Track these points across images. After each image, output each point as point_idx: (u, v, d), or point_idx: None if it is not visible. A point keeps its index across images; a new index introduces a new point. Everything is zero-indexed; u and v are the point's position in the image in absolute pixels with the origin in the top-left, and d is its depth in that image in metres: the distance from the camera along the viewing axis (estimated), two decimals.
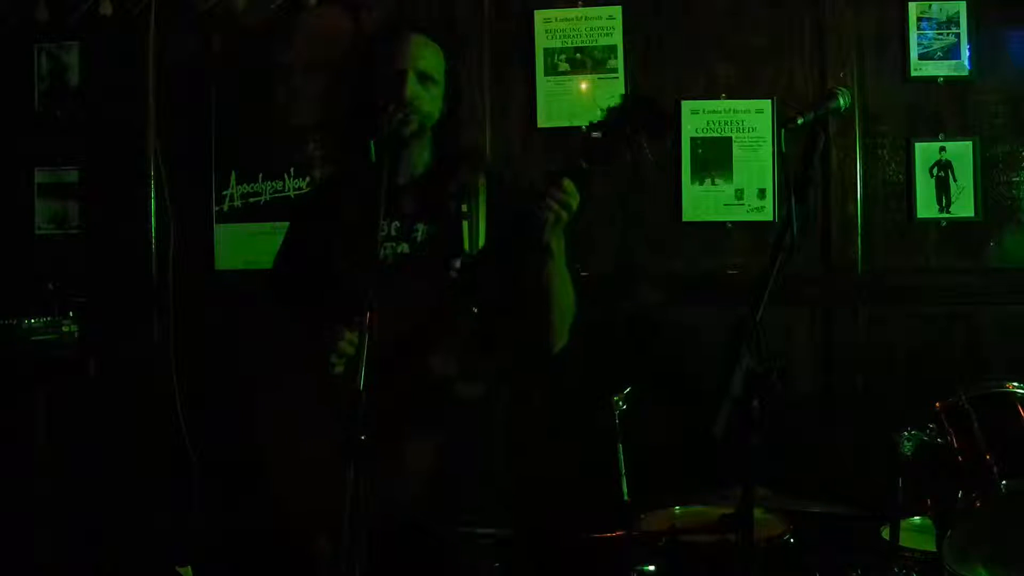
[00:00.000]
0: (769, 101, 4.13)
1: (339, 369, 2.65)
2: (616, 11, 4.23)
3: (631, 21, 4.22)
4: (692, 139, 4.17)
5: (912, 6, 4.03)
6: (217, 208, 4.54)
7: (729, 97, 4.17)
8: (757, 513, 2.40)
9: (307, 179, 4.44)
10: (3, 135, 4.71)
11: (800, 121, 2.42)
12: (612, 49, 4.24)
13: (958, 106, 4.03)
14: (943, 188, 4.02)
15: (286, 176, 4.48)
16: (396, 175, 2.78)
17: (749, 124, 4.15)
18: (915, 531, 3.11)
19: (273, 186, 4.49)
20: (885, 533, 3.03)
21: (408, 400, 2.58)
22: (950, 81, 4.02)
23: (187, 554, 4.24)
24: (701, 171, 4.16)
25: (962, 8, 4.00)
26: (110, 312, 4.50)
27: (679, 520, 3.28)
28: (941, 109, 4.04)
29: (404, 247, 2.79)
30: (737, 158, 4.15)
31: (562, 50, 4.27)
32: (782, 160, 4.03)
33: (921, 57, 4.03)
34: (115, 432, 4.43)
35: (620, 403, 3.28)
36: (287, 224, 3.14)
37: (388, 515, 2.51)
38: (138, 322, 4.52)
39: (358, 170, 2.77)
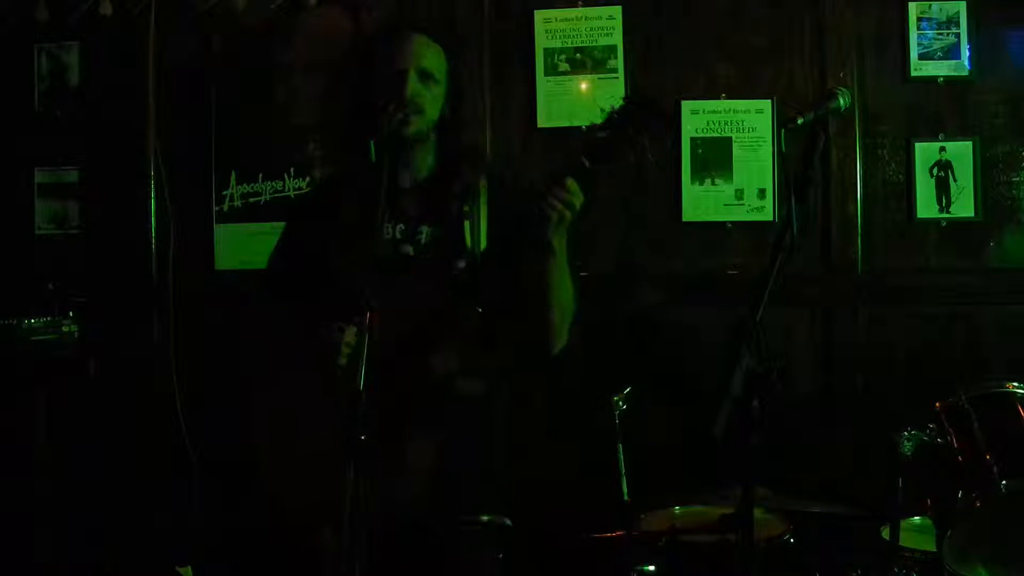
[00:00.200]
0: (769, 101, 4.14)
1: (344, 361, 2.65)
2: (616, 11, 4.23)
3: (631, 21, 4.22)
4: (692, 139, 4.17)
5: (912, 6, 4.03)
6: (217, 208, 4.54)
7: (729, 97, 4.17)
8: (757, 513, 2.40)
9: (307, 179, 4.44)
10: (3, 135, 4.71)
11: (800, 121, 2.42)
12: (612, 49, 4.24)
13: (958, 106, 4.03)
14: (943, 188, 4.02)
15: (286, 176, 4.48)
16: (399, 177, 2.78)
17: (749, 124, 4.15)
18: (915, 531, 3.11)
19: (273, 186, 4.49)
20: (885, 533, 3.03)
21: (409, 399, 2.58)
22: (950, 81, 4.02)
23: (187, 554, 4.24)
24: (701, 171, 4.16)
25: (962, 8, 4.00)
26: (110, 312, 4.50)
27: (679, 520, 3.28)
28: (941, 109, 4.04)
29: (408, 249, 2.79)
30: (737, 158, 4.15)
31: (562, 50, 4.27)
32: (782, 160, 4.03)
33: (921, 57, 4.03)
34: (115, 432, 4.43)
35: (620, 403, 3.28)
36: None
37: (389, 514, 2.51)
38: (138, 322, 4.52)
39: (358, 170, 2.77)
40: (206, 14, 4.52)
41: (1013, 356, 3.88)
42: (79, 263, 4.60)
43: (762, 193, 4.13)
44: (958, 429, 2.88)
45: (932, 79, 4.03)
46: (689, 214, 4.16)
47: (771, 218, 4.11)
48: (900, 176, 4.07)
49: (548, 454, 3.96)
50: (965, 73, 4.01)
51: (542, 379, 3.85)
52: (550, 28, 4.28)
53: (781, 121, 3.99)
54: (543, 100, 4.29)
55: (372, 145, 2.62)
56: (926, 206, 4.04)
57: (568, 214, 2.56)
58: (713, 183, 4.15)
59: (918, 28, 4.03)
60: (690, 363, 4.03)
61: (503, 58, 4.32)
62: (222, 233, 4.54)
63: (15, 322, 4.19)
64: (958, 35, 4.00)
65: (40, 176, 4.69)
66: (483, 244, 2.76)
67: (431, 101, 2.79)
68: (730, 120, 4.16)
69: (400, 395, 2.53)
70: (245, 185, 4.52)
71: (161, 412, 4.35)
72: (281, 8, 4.47)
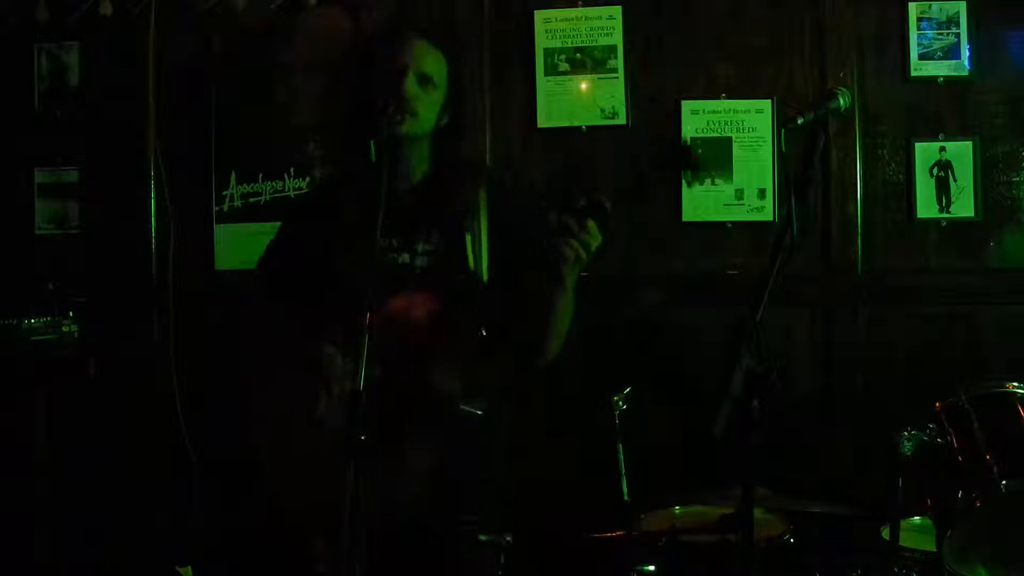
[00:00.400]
0: (769, 101, 4.13)
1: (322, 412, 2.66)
2: (616, 11, 4.23)
3: (631, 21, 4.22)
4: (692, 139, 4.16)
5: (912, 6, 4.03)
6: (217, 208, 4.54)
7: (729, 97, 4.17)
8: (757, 513, 2.40)
9: (307, 179, 4.43)
10: (3, 135, 4.71)
11: (800, 121, 2.42)
12: (612, 49, 4.24)
13: (958, 106, 4.03)
14: (943, 188, 4.02)
15: (286, 176, 4.47)
16: (396, 180, 2.78)
17: (749, 124, 4.15)
18: (915, 531, 3.11)
19: (273, 186, 4.49)
20: (885, 533, 3.03)
21: (409, 405, 2.58)
22: (950, 81, 4.02)
23: (187, 554, 4.24)
24: (701, 170, 4.15)
25: (962, 8, 4.00)
26: (110, 312, 4.49)
27: (679, 520, 3.28)
28: (941, 109, 4.04)
29: (405, 257, 2.78)
30: (737, 158, 4.15)
31: (562, 50, 4.27)
32: (782, 160, 4.03)
33: (921, 57, 4.03)
34: (115, 432, 4.43)
35: (620, 403, 3.28)
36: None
37: (388, 514, 2.51)
38: (138, 322, 4.52)
39: (358, 170, 2.77)
40: (206, 14, 4.52)
41: (1013, 356, 3.87)
42: (79, 263, 4.60)
43: (762, 193, 4.13)
44: (958, 429, 2.88)
45: (932, 79, 4.03)
46: (689, 214, 4.16)
47: (771, 218, 4.11)
48: (900, 176, 4.07)
49: (548, 454, 3.95)
50: (965, 73, 4.01)
51: (541, 381, 3.85)
52: (550, 28, 4.28)
53: (781, 121, 3.97)
54: (543, 100, 4.29)
55: (372, 145, 2.62)
56: (926, 206, 4.04)
57: (584, 255, 2.55)
58: (713, 183, 4.15)
59: (918, 28, 4.03)
60: (690, 363, 4.03)
61: (503, 58, 4.32)
62: (222, 233, 4.54)
63: (15, 322, 4.19)
64: (958, 35, 4.00)
65: (40, 176, 4.69)
66: (485, 259, 2.75)
67: (428, 105, 2.77)
68: (730, 120, 4.16)
69: (399, 406, 2.53)
70: (245, 185, 4.52)
71: (161, 412, 4.35)
72: (281, 8, 4.47)
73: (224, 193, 4.54)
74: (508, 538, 2.86)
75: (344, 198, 2.83)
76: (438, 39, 2.86)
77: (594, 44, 4.25)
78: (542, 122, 4.29)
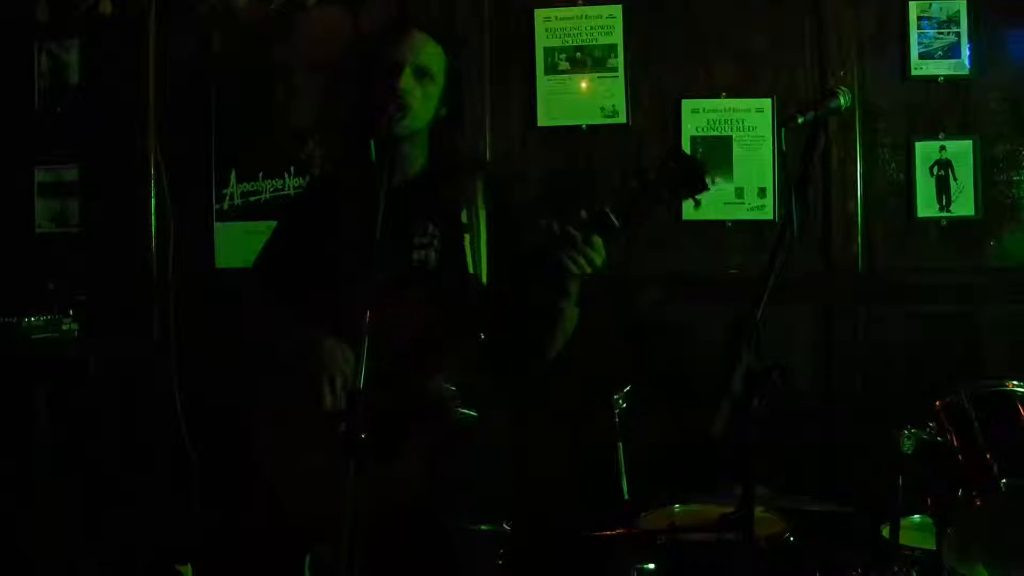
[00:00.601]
0: (769, 100, 4.13)
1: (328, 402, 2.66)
2: (616, 10, 4.23)
3: (631, 20, 4.22)
4: (692, 138, 4.17)
5: (912, 5, 4.02)
6: (217, 206, 4.55)
7: (729, 96, 4.16)
8: (757, 511, 2.40)
9: (307, 177, 4.43)
10: (3, 133, 4.71)
11: (800, 120, 2.42)
12: (612, 48, 4.24)
13: (958, 105, 4.03)
14: (943, 187, 4.02)
15: (286, 175, 4.48)
16: (394, 174, 2.77)
17: (749, 123, 4.14)
18: (915, 529, 3.12)
19: (273, 184, 4.49)
20: (885, 531, 3.03)
21: (403, 411, 2.58)
22: (950, 80, 4.02)
23: (187, 552, 4.24)
24: (711, 171, 4.14)
25: (962, 7, 3.99)
26: (110, 311, 4.50)
27: (679, 518, 3.28)
28: (941, 108, 4.04)
29: (401, 251, 2.78)
30: (737, 157, 4.15)
31: (562, 49, 4.27)
32: (782, 159, 4.03)
33: (921, 56, 4.03)
34: (115, 431, 4.43)
35: (620, 402, 3.28)
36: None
37: (387, 513, 2.51)
38: (138, 321, 4.52)
39: (357, 169, 2.77)
40: (206, 13, 4.52)
41: (1013, 355, 3.87)
42: (79, 262, 4.60)
43: (762, 192, 4.13)
44: (958, 428, 2.88)
45: (932, 78, 4.03)
46: (689, 213, 4.15)
47: (771, 217, 4.11)
48: (900, 175, 4.06)
49: (548, 453, 3.95)
50: (965, 72, 4.01)
51: (541, 380, 3.84)
52: (550, 27, 4.28)
53: (781, 120, 3.99)
54: (543, 99, 4.29)
55: (372, 144, 2.62)
56: (926, 205, 4.04)
57: (588, 269, 2.54)
58: (713, 182, 4.13)
59: (918, 27, 4.03)
60: (690, 362, 4.03)
61: (503, 57, 4.32)
62: (222, 231, 4.55)
63: (15, 320, 4.19)
64: (958, 34, 4.00)
65: (40, 174, 4.70)
66: (484, 261, 2.75)
67: (425, 99, 2.76)
68: (730, 119, 4.15)
69: (394, 401, 2.53)
70: (245, 184, 4.52)
71: (161, 411, 4.35)
72: (281, 7, 4.47)
73: (224, 191, 4.54)
74: (507, 526, 2.85)
75: (344, 196, 2.83)
76: (436, 31, 2.85)
77: (594, 43, 4.25)
78: (542, 121, 4.29)
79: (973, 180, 3.99)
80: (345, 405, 2.30)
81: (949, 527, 2.75)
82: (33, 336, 4.22)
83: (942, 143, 4.02)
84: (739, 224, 4.14)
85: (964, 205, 4.00)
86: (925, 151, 4.03)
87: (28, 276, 4.54)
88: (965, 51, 4.00)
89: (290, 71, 4.48)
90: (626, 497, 3.24)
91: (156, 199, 4.53)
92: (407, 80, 2.72)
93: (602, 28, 4.24)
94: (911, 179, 4.04)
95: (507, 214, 2.80)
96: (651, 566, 3.08)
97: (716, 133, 4.16)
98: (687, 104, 4.18)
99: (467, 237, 2.76)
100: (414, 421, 2.59)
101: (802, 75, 4.12)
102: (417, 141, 2.81)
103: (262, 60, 4.50)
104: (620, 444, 3.26)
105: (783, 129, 2.44)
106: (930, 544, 2.90)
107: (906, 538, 2.99)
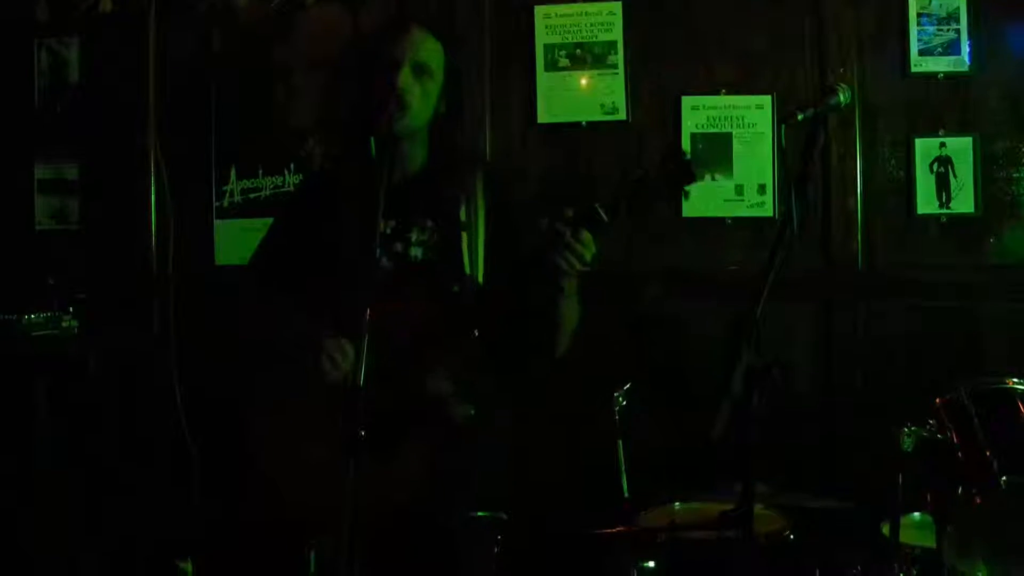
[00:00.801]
0: (769, 97, 4.13)
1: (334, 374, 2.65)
2: (616, 7, 4.23)
3: (631, 16, 4.22)
4: (692, 135, 4.16)
5: (912, 2, 4.02)
6: (217, 203, 4.55)
7: (729, 93, 4.16)
8: (757, 509, 2.40)
9: (307, 175, 4.43)
10: (3, 130, 4.71)
11: (800, 117, 2.42)
12: (612, 44, 4.24)
13: (958, 102, 4.02)
14: (943, 184, 4.02)
15: (286, 172, 4.48)
16: (394, 171, 2.77)
17: (749, 120, 4.14)
18: (915, 527, 3.11)
19: (273, 181, 4.49)
20: (885, 529, 3.03)
21: (400, 410, 2.58)
22: (950, 77, 4.01)
23: (187, 548, 4.24)
24: (701, 167, 4.14)
25: (962, 4, 3.99)
26: (110, 307, 4.50)
27: (679, 516, 3.28)
28: (941, 105, 4.03)
29: (398, 246, 2.78)
30: (737, 154, 4.14)
31: (562, 45, 4.27)
32: (782, 156, 4.03)
33: (921, 53, 4.02)
34: (115, 427, 4.43)
35: (620, 399, 3.28)
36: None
37: (386, 509, 2.52)
38: (138, 317, 4.52)
39: (357, 166, 2.77)
40: (206, 11, 4.52)
41: (1013, 352, 3.87)
42: (79, 259, 4.61)
43: (762, 189, 4.13)
44: (958, 425, 2.88)
45: (932, 75, 4.02)
46: (689, 210, 4.15)
47: (771, 214, 4.11)
48: (900, 172, 4.06)
49: (548, 451, 3.96)
50: (965, 69, 4.00)
51: (541, 378, 3.85)
52: (550, 23, 4.28)
53: (781, 117, 3.98)
54: (543, 95, 4.29)
55: (372, 141, 2.62)
56: (926, 202, 4.03)
57: (579, 265, 2.55)
58: (713, 179, 4.14)
59: (918, 24, 4.02)
60: (690, 359, 4.03)
61: (503, 53, 4.32)
62: (222, 228, 4.55)
63: (15, 317, 4.19)
64: (958, 31, 4.00)
65: (40, 172, 4.70)
66: (481, 260, 2.75)
67: (424, 96, 2.76)
68: (730, 116, 4.15)
69: (392, 400, 2.53)
70: (245, 180, 4.52)
71: (161, 407, 4.35)
72: (281, 6, 4.47)
73: (224, 188, 4.54)
74: (504, 516, 2.85)
75: (344, 193, 2.83)
76: (435, 27, 2.85)
77: (594, 39, 4.25)
78: (542, 117, 4.29)
79: (973, 177, 3.99)
80: (345, 401, 2.30)
81: (949, 525, 2.75)
82: (33, 333, 4.22)
83: (942, 140, 4.02)
84: (739, 221, 4.14)
85: (964, 202, 4.00)
86: (925, 148, 4.03)
87: (28, 273, 4.54)
88: (965, 48, 4.00)
89: (290, 69, 4.48)
90: (626, 495, 3.24)
91: (156, 196, 4.52)
92: (406, 78, 2.72)
93: (602, 25, 4.24)
94: (911, 176, 4.04)
95: (506, 212, 2.80)
96: (651, 564, 3.08)
97: (716, 130, 4.16)
98: (687, 101, 4.18)
99: (465, 235, 2.76)
100: (413, 420, 2.59)
101: (802, 71, 4.11)
102: (417, 139, 2.81)
103: (262, 58, 4.50)
104: (620, 442, 3.26)
105: (783, 126, 2.44)
106: (930, 542, 2.90)
107: (906, 536, 2.99)
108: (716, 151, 4.14)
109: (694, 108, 4.18)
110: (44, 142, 4.69)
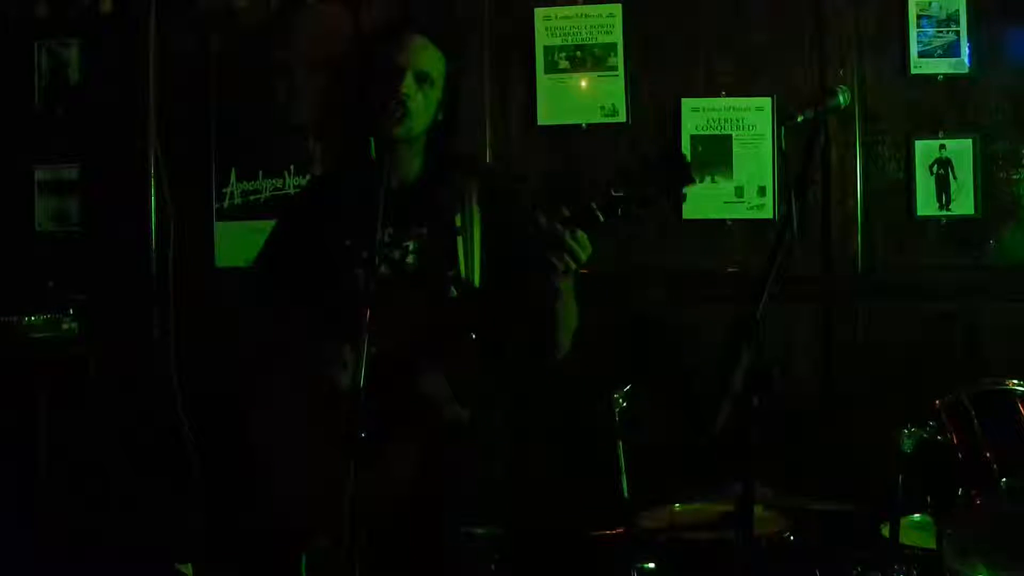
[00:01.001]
0: (769, 99, 4.13)
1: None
2: (616, 9, 4.23)
3: (631, 19, 4.22)
4: (692, 137, 4.17)
5: (912, 3, 4.02)
6: (217, 205, 4.54)
7: (729, 95, 4.16)
8: (757, 510, 2.40)
9: (307, 177, 4.43)
10: (3, 132, 4.71)
11: (800, 119, 2.42)
12: (612, 47, 4.24)
13: (958, 103, 4.02)
14: (943, 186, 4.02)
15: (286, 174, 4.48)
16: (391, 178, 2.77)
17: (749, 122, 4.14)
18: (915, 528, 3.11)
19: (273, 183, 4.49)
20: (885, 530, 3.03)
21: (395, 413, 2.57)
22: (950, 78, 4.02)
23: (187, 552, 4.24)
24: (701, 169, 4.16)
25: (962, 5, 3.99)
26: (110, 310, 4.49)
27: (679, 517, 3.28)
28: (941, 106, 4.03)
29: (395, 254, 2.78)
30: (737, 155, 4.14)
31: (562, 48, 4.27)
32: (782, 158, 4.03)
33: (921, 54, 4.03)
34: (115, 430, 4.43)
35: (620, 400, 3.28)
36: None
37: (386, 513, 2.51)
38: (138, 320, 4.52)
39: (358, 169, 2.77)
40: (206, 12, 4.52)
41: (1013, 354, 3.87)
42: (79, 261, 4.60)
43: (762, 191, 4.13)
44: (958, 427, 2.88)
45: (932, 76, 4.03)
46: (689, 212, 4.15)
47: (771, 216, 4.11)
48: (900, 173, 4.06)
49: (548, 452, 3.96)
50: (965, 70, 4.01)
51: (541, 379, 3.85)
52: (550, 26, 4.28)
53: (781, 118, 4.00)
54: (543, 98, 4.29)
55: (372, 143, 2.62)
56: (926, 203, 4.03)
57: (574, 265, 2.55)
58: (713, 181, 4.14)
59: (918, 25, 4.02)
60: (690, 361, 4.03)
61: (503, 56, 4.32)
62: (222, 231, 4.54)
63: (15, 320, 4.19)
64: (958, 32, 4.00)
65: (40, 173, 4.69)
66: (477, 264, 2.75)
67: (425, 104, 2.76)
68: (730, 118, 4.15)
69: (387, 403, 2.53)
70: (245, 182, 4.52)
71: (161, 410, 4.35)
72: (281, 6, 4.47)
73: (224, 190, 4.54)
74: (501, 531, 2.86)
75: (344, 196, 2.83)
76: (436, 35, 2.85)
77: (594, 42, 4.25)
78: (542, 120, 4.29)
79: (973, 179, 3.99)
80: (345, 404, 2.30)
81: (949, 526, 2.75)
82: (33, 335, 4.22)
83: (942, 141, 4.02)
84: (739, 223, 4.14)
85: (964, 204, 4.00)
86: (925, 149, 4.03)
87: (28, 275, 4.54)
88: (965, 49, 4.00)
89: (290, 70, 4.48)
90: (626, 496, 3.24)
91: (156, 198, 4.52)
92: (409, 85, 2.72)
93: (602, 27, 4.24)
94: (911, 177, 4.04)
95: (505, 217, 2.80)
96: (651, 565, 3.08)
97: (716, 132, 4.16)
98: (687, 103, 4.18)
99: (460, 240, 2.77)
100: (402, 421, 2.59)
101: (802, 73, 4.12)
102: (415, 145, 2.82)
103: (262, 59, 4.50)
104: (620, 442, 3.26)
105: (783, 127, 2.44)
106: (930, 543, 2.90)
107: (906, 537, 2.99)
108: (716, 153, 4.14)
109: (694, 110, 4.18)
110: (44, 143, 4.68)
